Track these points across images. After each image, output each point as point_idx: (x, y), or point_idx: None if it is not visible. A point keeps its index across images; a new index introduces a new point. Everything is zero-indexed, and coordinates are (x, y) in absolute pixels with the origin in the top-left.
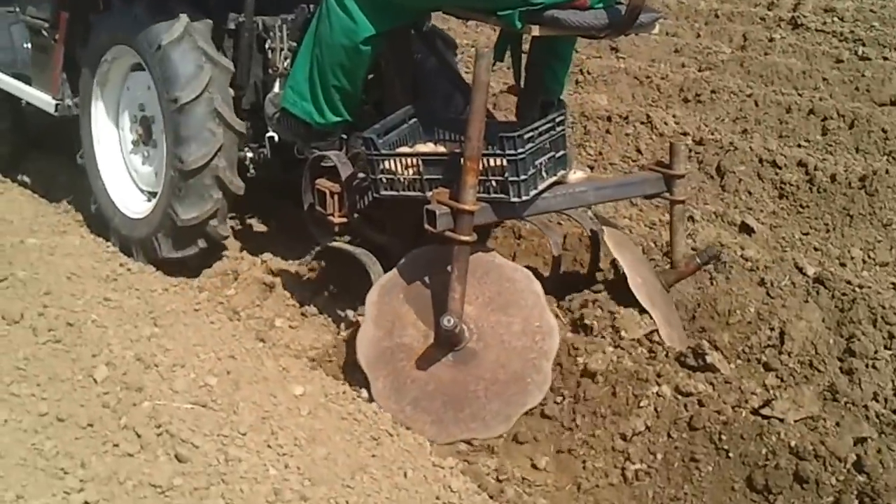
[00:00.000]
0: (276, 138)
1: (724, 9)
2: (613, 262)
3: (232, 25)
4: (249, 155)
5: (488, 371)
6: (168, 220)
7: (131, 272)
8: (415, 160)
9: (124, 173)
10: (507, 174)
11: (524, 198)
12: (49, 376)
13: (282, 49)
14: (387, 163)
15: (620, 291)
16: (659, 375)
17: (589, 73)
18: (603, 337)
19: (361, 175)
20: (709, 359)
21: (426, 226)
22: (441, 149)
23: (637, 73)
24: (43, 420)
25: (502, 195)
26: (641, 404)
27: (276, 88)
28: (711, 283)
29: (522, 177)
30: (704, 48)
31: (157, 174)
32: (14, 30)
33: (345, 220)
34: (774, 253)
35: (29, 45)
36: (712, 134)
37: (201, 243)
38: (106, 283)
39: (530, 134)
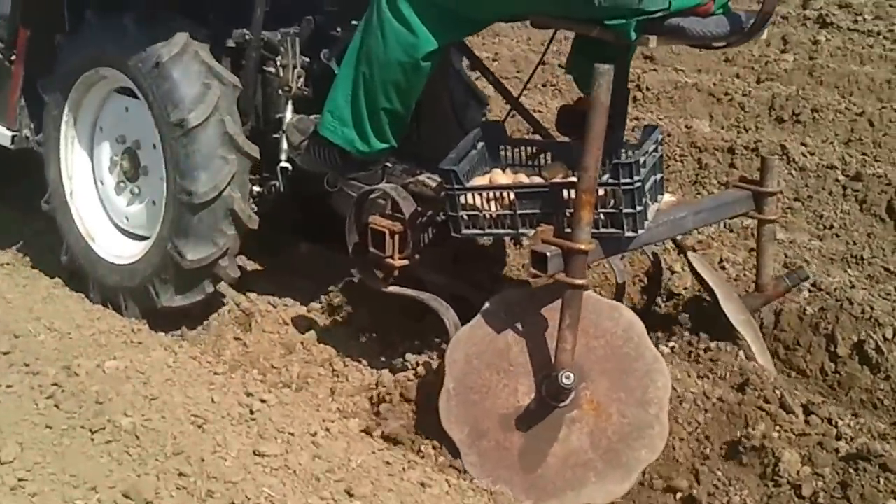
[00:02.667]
0: (290, 168)
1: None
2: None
3: (232, 43)
4: (257, 188)
5: (600, 426)
6: (169, 263)
7: (267, 405)
8: (504, 193)
9: (103, 215)
10: (621, 206)
11: (640, 231)
12: None
13: (294, 66)
14: (469, 197)
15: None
16: None
17: (648, 89)
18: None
19: (425, 211)
20: None
21: (532, 269)
22: (523, 178)
23: (711, 90)
24: None
25: (614, 230)
26: None
27: (289, 112)
28: None
29: (638, 208)
30: (761, 56)
31: (147, 212)
32: None
33: (407, 262)
34: None
35: None
36: (868, 167)
37: (208, 287)
38: (244, 425)
39: (643, 159)
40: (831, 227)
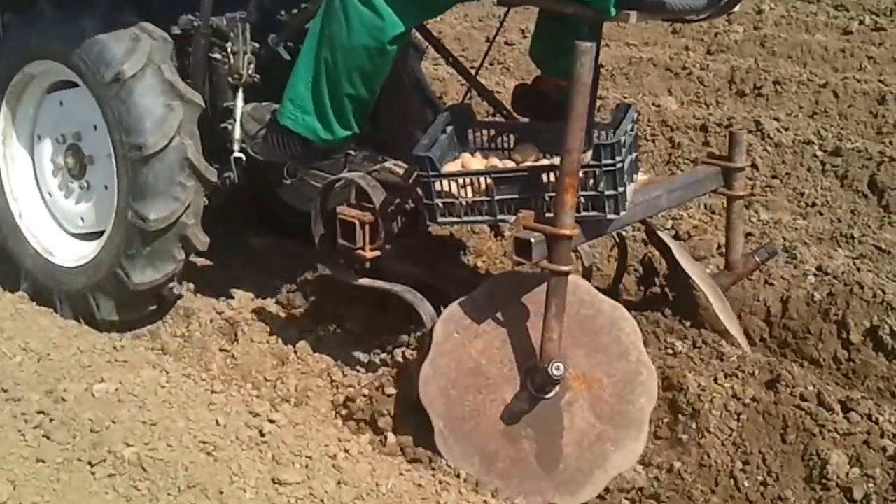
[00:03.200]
0: (244, 159)
1: None
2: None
3: (178, 30)
4: None
5: (596, 396)
6: (133, 233)
7: (277, 425)
8: (480, 179)
9: (56, 226)
10: (602, 187)
11: (622, 214)
12: None
13: (245, 53)
14: (445, 184)
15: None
16: None
17: (602, 65)
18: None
19: (394, 200)
20: None
21: (515, 257)
22: (495, 162)
23: (668, 64)
24: None
25: (596, 212)
26: None
27: (240, 100)
28: None
29: (620, 189)
30: (709, 27)
31: (101, 204)
32: None
33: (378, 253)
34: None
35: None
36: (845, 141)
37: (178, 253)
38: (257, 450)
39: (623, 138)
40: (813, 204)
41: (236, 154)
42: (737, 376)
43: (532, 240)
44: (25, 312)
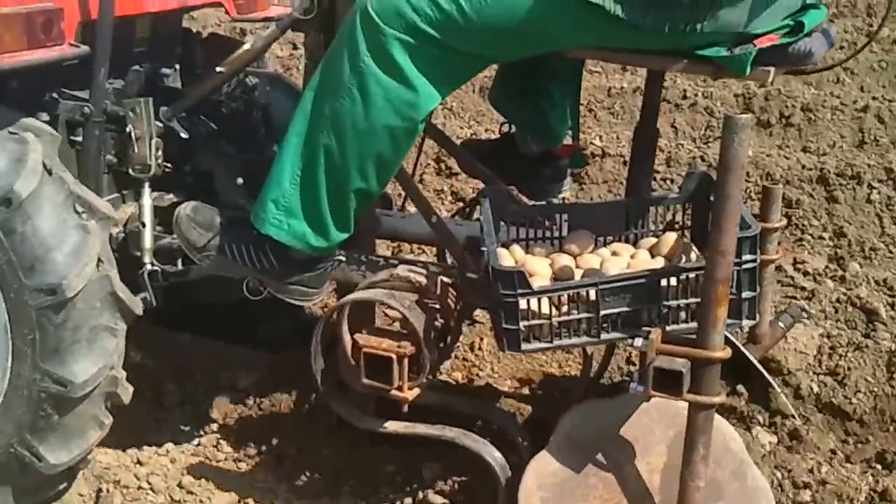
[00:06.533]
0: (161, 274)
1: None
2: None
3: (46, 116)
4: None
5: None
6: (17, 466)
7: None
8: (581, 291)
9: None
10: (740, 289)
11: (757, 318)
12: None
13: (151, 137)
14: (534, 302)
15: None
16: None
17: (598, 101)
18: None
19: (438, 324)
20: None
21: (654, 392)
22: (560, 260)
23: (668, 97)
24: None
25: (731, 320)
26: None
27: (147, 196)
28: None
29: (758, 289)
30: None
31: None
32: None
33: (419, 391)
34: None
35: None
36: None
37: (63, 486)
38: None
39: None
40: None
41: (149, 268)
42: None
43: (683, 370)
44: None
